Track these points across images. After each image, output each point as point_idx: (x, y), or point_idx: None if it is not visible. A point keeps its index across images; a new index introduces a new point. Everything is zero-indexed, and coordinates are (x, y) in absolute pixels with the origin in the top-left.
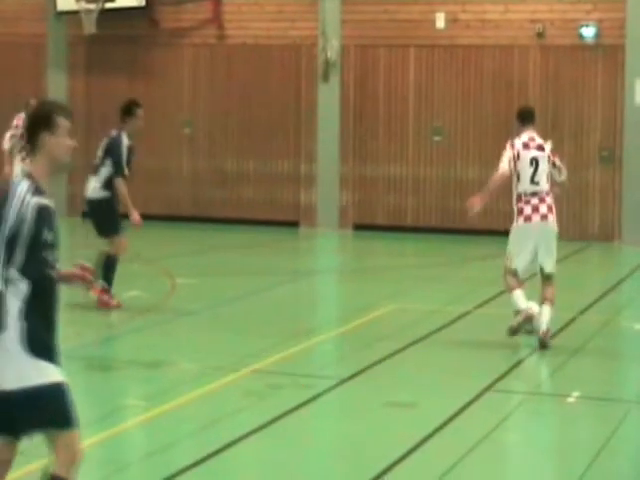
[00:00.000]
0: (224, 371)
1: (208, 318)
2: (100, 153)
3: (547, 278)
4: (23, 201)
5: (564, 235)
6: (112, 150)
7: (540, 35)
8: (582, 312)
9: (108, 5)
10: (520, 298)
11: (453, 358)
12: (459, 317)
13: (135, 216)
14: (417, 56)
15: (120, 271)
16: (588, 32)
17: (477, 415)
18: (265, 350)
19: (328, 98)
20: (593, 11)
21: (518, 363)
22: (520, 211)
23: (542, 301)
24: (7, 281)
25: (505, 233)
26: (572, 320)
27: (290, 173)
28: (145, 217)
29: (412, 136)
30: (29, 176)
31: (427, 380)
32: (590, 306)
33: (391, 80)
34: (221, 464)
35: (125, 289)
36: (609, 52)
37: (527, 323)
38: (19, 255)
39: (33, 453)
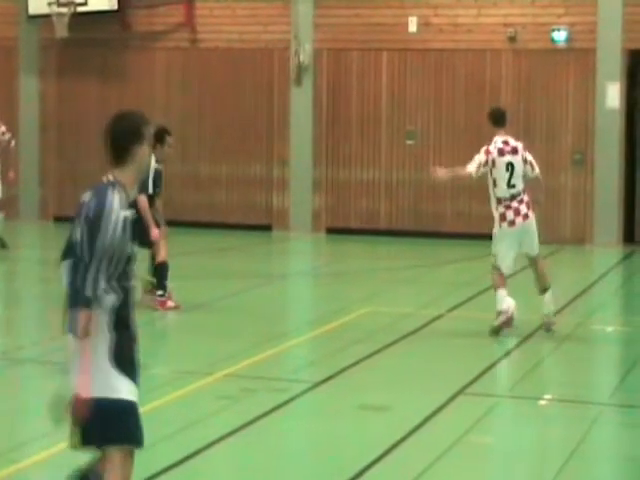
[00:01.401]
0: (197, 375)
1: (181, 322)
2: None
3: (535, 260)
4: (118, 215)
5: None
6: None
7: (512, 39)
8: (554, 314)
9: (80, 9)
10: (503, 298)
11: (427, 361)
12: (433, 320)
13: (154, 232)
14: (390, 60)
15: None
16: (560, 36)
17: (451, 418)
18: (238, 354)
19: (301, 102)
20: (564, 15)
21: (491, 366)
22: (503, 216)
23: (542, 291)
24: (97, 293)
25: (479, 236)
26: (544, 323)
27: (263, 177)
28: None
29: (385, 140)
30: (120, 186)
31: (401, 383)
32: (562, 309)
33: (364, 84)
34: (196, 467)
35: None
36: (580, 56)
37: (508, 325)
38: (110, 268)
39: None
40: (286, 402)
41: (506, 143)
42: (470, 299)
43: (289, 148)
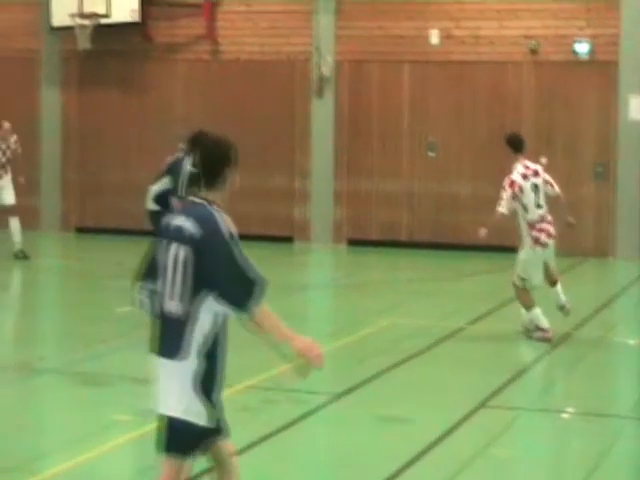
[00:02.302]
0: None
1: None
2: (162, 169)
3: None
4: (227, 235)
5: (558, 251)
6: (173, 171)
7: (534, 51)
8: (576, 327)
9: (103, 21)
10: (541, 317)
11: (447, 373)
12: (454, 332)
13: None
14: (411, 72)
15: (113, 286)
16: (582, 48)
17: (472, 430)
18: (259, 365)
19: (322, 113)
20: (587, 27)
21: (512, 378)
22: (537, 240)
23: (552, 284)
24: (191, 312)
25: (500, 248)
26: (567, 335)
27: (284, 188)
28: (140, 232)
29: (406, 151)
30: (217, 206)
31: (421, 395)
32: (585, 321)
33: (385, 96)
34: None
35: (117, 304)
36: (603, 68)
37: (544, 341)
38: (212, 288)
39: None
40: (307, 414)
41: (527, 167)
42: (491, 311)
43: (310, 160)
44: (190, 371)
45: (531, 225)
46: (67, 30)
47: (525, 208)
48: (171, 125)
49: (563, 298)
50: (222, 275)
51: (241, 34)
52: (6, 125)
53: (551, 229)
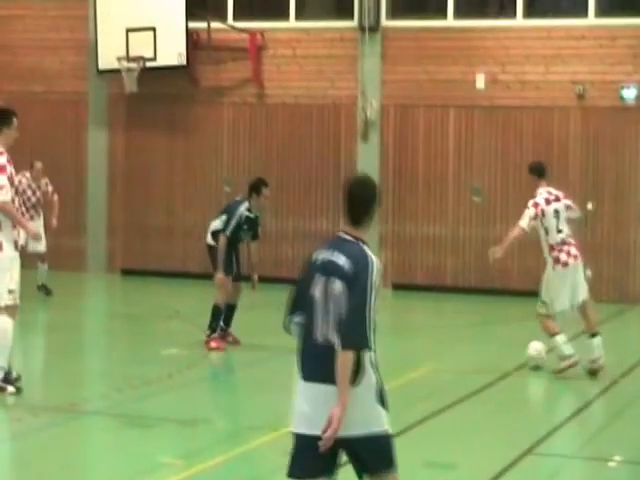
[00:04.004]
0: (262, 430)
1: (246, 376)
2: (223, 206)
3: (584, 306)
4: (370, 281)
5: (604, 297)
6: (228, 210)
7: (580, 96)
8: (623, 375)
9: (149, 64)
10: (566, 344)
11: (492, 420)
12: (499, 378)
13: (219, 276)
14: (457, 116)
15: (158, 328)
16: (629, 93)
17: (517, 478)
18: None
19: (367, 157)
20: (634, 73)
21: (558, 426)
22: (557, 259)
23: (592, 334)
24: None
25: None
26: (613, 383)
27: (329, 232)
28: (184, 275)
29: (451, 196)
30: (367, 245)
31: (467, 441)
32: (631, 369)
33: (431, 140)
34: None
35: (163, 346)
36: None
37: (571, 367)
38: (372, 315)
39: None
40: None
41: (549, 193)
42: None
43: None
44: (371, 386)
45: (551, 247)
46: (114, 73)
47: (547, 231)
48: (217, 168)
49: (597, 352)
50: (350, 311)
51: (287, 78)
52: (38, 165)
53: (572, 250)
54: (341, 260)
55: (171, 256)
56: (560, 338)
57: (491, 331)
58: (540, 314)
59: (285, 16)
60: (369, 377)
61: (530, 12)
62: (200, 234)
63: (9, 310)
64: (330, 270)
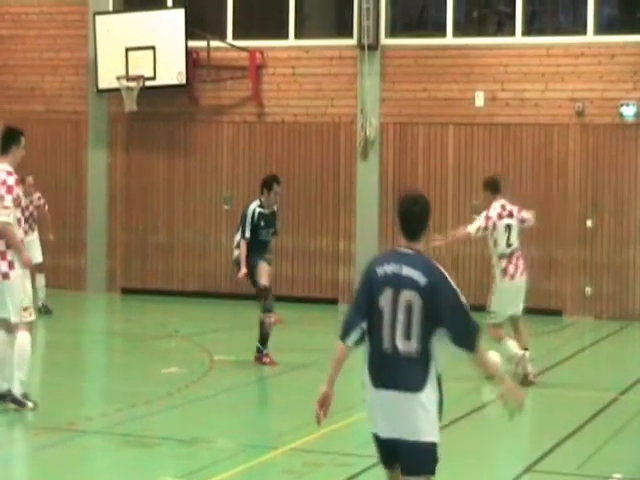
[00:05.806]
0: (262, 449)
1: (246, 395)
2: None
3: (517, 322)
4: (453, 283)
5: (604, 313)
6: (241, 216)
7: (580, 114)
8: (623, 392)
9: (149, 83)
10: (515, 345)
11: (493, 436)
12: (497, 396)
13: (242, 271)
14: (456, 134)
15: (158, 347)
16: (628, 111)
17: None
18: (304, 427)
19: (367, 175)
20: (633, 90)
21: (558, 444)
22: (505, 271)
23: (524, 348)
24: (425, 350)
25: (547, 311)
26: (613, 400)
27: (329, 250)
28: (183, 294)
29: (451, 213)
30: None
31: (468, 458)
32: (631, 386)
33: (430, 158)
34: None
35: (163, 365)
36: None
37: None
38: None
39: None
40: (352, 477)
41: (503, 207)
42: (539, 374)
43: (355, 221)
44: (433, 398)
45: (500, 257)
46: (114, 92)
47: (495, 243)
48: (216, 186)
49: (530, 367)
50: (454, 319)
51: (286, 96)
52: (29, 180)
53: (520, 264)
54: (413, 273)
55: (171, 275)
56: (509, 341)
57: (492, 348)
58: (490, 324)
59: (284, 35)
60: (433, 386)
61: (529, 30)
62: (200, 253)
63: (27, 325)
64: (405, 283)
